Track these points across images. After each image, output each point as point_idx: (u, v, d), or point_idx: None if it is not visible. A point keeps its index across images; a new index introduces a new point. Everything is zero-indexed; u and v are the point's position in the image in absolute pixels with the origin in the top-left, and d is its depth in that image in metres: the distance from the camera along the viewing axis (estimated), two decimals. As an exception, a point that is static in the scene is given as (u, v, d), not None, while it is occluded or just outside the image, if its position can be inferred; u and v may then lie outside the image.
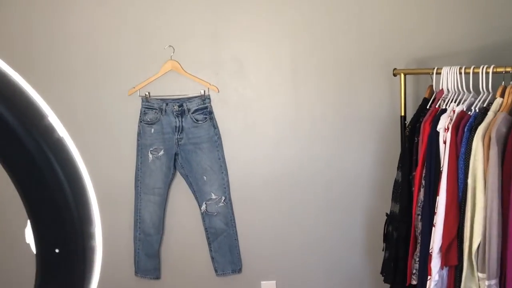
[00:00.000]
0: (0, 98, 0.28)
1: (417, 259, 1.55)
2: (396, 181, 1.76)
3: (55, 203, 0.31)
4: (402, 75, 1.88)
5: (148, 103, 2.17)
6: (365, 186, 2.26)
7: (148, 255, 2.29)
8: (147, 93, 2.16)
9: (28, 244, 0.34)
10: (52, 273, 0.32)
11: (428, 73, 1.77)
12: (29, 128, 0.29)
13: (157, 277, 2.31)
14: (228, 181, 2.24)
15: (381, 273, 1.80)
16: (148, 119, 2.18)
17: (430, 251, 1.44)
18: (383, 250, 1.82)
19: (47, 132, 0.29)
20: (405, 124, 1.89)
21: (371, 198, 2.27)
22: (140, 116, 2.19)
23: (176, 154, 2.20)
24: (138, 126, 2.19)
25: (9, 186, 0.36)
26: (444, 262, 1.40)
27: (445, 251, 1.39)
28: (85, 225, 0.32)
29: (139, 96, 2.17)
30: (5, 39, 2.14)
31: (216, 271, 2.31)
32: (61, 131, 0.30)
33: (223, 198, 2.24)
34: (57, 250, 0.31)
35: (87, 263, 0.32)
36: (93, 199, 0.33)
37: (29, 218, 0.31)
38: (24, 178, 0.30)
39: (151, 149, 2.19)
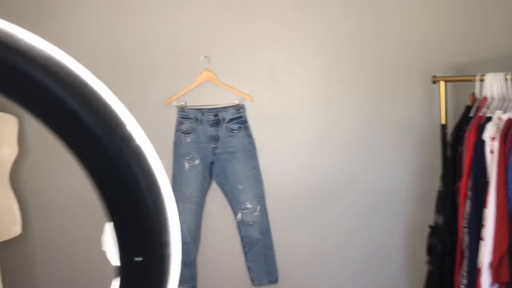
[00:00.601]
0: (87, 108, 0.30)
1: (465, 274, 1.48)
2: (439, 192, 1.70)
3: (136, 211, 0.31)
4: (443, 83, 1.82)
5: (184, 113, 2.20)
6: (403, 196, 2.19)
7: (184, 263, 2.30)
8: (183, 103, 2.18)
9: (104, 252, 0.35)
10: (131, 282, 0.33)
11: (470, 80, 1.70)
12: (113, 137, 0.30)
13: (193, 286, 2.31)
14: (263, 190, 2.22)
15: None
16: (184, 129, 2.20)
17: (479, 266, 1.38)
18: (426, 264, 1.76)
19: (127, 140, 0.30)
20: (445, 132, 1.83)
21: (410, 209, 2.20)
22: (176, 126, 2.21)
23: (211, 163, 2.21)
24: (175, 135, 2.22)
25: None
26: (496, 278, 1.33)
27: (495, 267, 1.32)
28: (163, 234, 0.32)
29: (175, 106, 2.20)
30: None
31: (252, 281, 2.29)
32: (140, 139, 0.31)
33: (258, 207, 2.23)
34: (137, 259, 0.32)
35: (164, 272, 0.33)
36: (171, 207, 0.34)
37: (112, 226, 0.32)
38: (107, 186, 0.31)
39: (187, 158, 2.21)
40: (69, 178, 2.29)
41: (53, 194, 2.31)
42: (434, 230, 1.72)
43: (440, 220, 1.68)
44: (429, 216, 2.20)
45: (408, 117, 2.13)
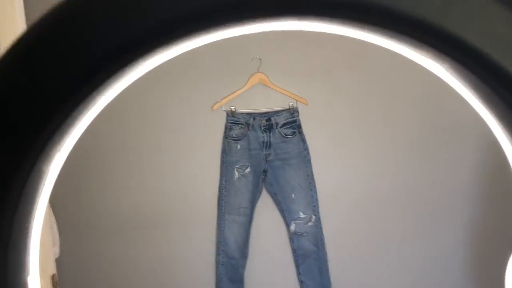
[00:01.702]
0: None
1: None
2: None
3: None
4: None
5: (233, 118, 2.05)
6: (465, 201, 2.11)
7: (232, 280, 2.14)
8: (232, 107, 2.04)
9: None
10: None
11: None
12: None
13: (241, 304, 2.15)
14: (317, 199, 2.09)
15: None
16: (234, 135, 2.06)
17: None
18: None
19: None
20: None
21: (473, 214, 2.12)
22: (225, 132, 2.06)
23: (264, 171, 2.07)
24: (223, 142, 2.07)
25: None
26: None
27: None
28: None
29: (224, 110, 2.06)
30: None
31: (305, 296, 2.15)
32: None
33: (313, 217, 2.10)
34: None
35: None
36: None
37: None
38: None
39: (237, 166, 2.07)
40: (104, 193, 2.10)
41: (87, 210, 2.11)
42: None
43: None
44: (493, 220, 2.13)
45: (469, 118, 2.06)
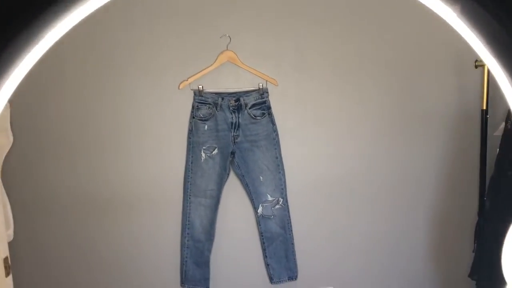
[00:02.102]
0: None
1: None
2: (492, 178, 1.66)
3: None
4: (487, 67, 1.79)
5: (201, 97, 1.98)
6: (430, 187, 2.15)
7: (197, 263, 2.10)
8: (200, 86, 1.97)
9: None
10: None
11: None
12: None
13: (207, 288, 2.12)
14: (285, 181, 2.07)
15: (471, 275, 1.69)
16: (201, 115, 1.99)
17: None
18: (473, 252, 1.71)
19: None
20: (486, 118, 1.79)
21: (438, 201, 2.16)
22: (192, 112, 1.99)
23: (232, 153, 2.02)
24: (190, 122, 2.00)
25: None
26: None
27: None
28: None
29: (191, 89, 1.98)
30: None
31: (271, 278, 2.14)
32: None
33: (280, 200, 2.08)
34: None
35: None
36: None
37: None
38: None
39: (204, 147, 2.01)
40: (61, 172, 1.99)
41: (42, 190, 2.00)
42: (482, 215, 1.67)
43: (488, 205, 1.64)
44: (457, 208, 2.18)
45: (437, 104, 2.09)
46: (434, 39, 2.04)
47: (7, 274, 1.26)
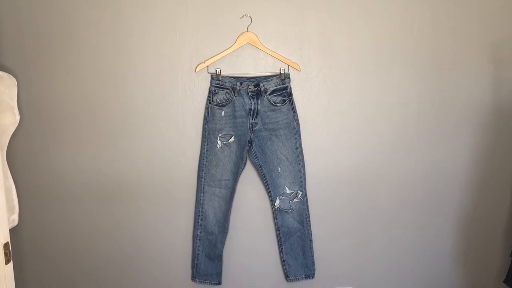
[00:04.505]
0: None
1: None
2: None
3: None
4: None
5: (218, 82, 1.87)
6: (461, 185, 2.00)
7: (209, 257, 1.99)
8: (218, 69, 1.85)
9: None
10: None
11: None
12: None
13: (218, 283, 2.01)
14: (304, 173, 1.95)
15: (507, 281, 1.55)
16: (218, 100, 1.88)
17: None
18: (510, 256, 1.57)
19: None
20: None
21: (467, 199, 2.02)
22: (208, 97, 1.88)
23: (249, 142, 1.90)
24: (206, 108, 1.89)
25: None
26: None
27: None
28: None
29: (209, 73, 1.87)
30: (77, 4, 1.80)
31: (287, 276, 2.02)
32: None
33: (299, 193, 1.96)
34: None
35: None
36: None
37: None
38: None
39: (220, 134, 1.89)
40: (69, 157, 1.90)
41: (49, 174, 1.91)
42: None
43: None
44: (488, 208, 2.03)
45: (470, 96, 1.94)
46: (469, 24, 1.89)
47: (7, 261, 1.16)
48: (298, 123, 1.91)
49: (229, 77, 1.87)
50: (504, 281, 1.55)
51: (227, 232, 1.98)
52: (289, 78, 1.88)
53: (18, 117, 1.65)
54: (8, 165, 1.66)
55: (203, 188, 1.94)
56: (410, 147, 1.98)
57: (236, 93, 1.86)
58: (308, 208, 1.98)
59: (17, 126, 1.69)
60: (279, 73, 1.87)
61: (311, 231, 2.00)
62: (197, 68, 1.85)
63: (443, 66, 1.92)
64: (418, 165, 1.99)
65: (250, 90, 1.86)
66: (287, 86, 1.88)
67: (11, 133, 1.62)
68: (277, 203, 1.96)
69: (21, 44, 1.80)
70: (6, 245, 1.19)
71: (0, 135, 1.54)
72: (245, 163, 1.93)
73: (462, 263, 2.07)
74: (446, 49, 1.90)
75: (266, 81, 1.87)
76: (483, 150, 1.97)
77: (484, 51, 1.90)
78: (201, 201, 1.95)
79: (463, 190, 2.01)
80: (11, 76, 1.64)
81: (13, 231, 1.85)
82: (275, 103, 1.88)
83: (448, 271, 2.08)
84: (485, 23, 1.89)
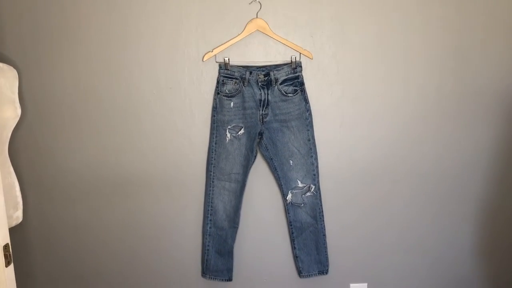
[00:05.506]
0: None
1: None
2: None
3: None
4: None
5: (227, 71, 1.79)
6: (482, 176, 1.91)
7: (219, 253, 1.93)
8: (226, 58, 1.77)
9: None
10: None
11: None
12: None
13: (229, 279, 1.95)
14: (317, 166, 1.87)
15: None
16: (227, 91, 1.80)
17: None
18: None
19: None
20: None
21: (487, 192, 1.92)
22: (217, 87, 1.80)
23: (259, 134, 1.83)
24: (214, 98, 1.81)
25: None
26: None
27: None
28: None
29: (217, 62, 1.79)
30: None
31: (300, 272, 1.96)
32: None
33: (312, 187, 1.88)
34: None
35: None
36: None
37: None
38: None
39: (229, 126, 1.82)
40: (73, 150, 1.85)
41: (52, 169, 1.86)
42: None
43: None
44: (509, 198, 1.94)
45: (493, 82, 1.83)
46: (489, 7, 1.77)
47: (7, 264, 1.11)
48: (310, 114, 1.82)
49: (238, 66, 1.79)
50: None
51: (237, 227, 1.92)
52: (301, 66, 1.79)
53: (19, 111, 1.59)
54: (11, 161, 1.61)
55: (213, 182, 1.87)
56: (428, 138, 1.88)
57: (245, 83, 1.78)
58: (321, 202, 1.90)
59: (19, 120, 1.63)
60: (290, 62, 1.78)
61: (324, 226, 1.92)
62: (205, 57, 1.77)
63: (463, 52, 1.82)
64: (436, 157, 1.90)
65: (260, 79, 1.78)
66: (298, 75, 1.79)
67: (12, 128, 1.57)
68: (289, 197, 1.88)
69: (22, 34, 1.74)
70: (6, 247, 1.13)
71: (1, 129, 1.49)
72: (255, 156, 1.86)
73: (482, 257, 1.98)
74: (467, 33, 1.80)
75: (276, 70, 1.78)
76: (505, 139, 1.87)
77: (503, 36, 1.79)
78: (210, 195, 1.88)
79: (483, 182, 1.92)
80: (11, 68, 1.58)
81: (18, 228, 1.80)
82: (286, 93, 1.80)
83: (468, 265, 2.00)
84: (505, 6, 1.77)
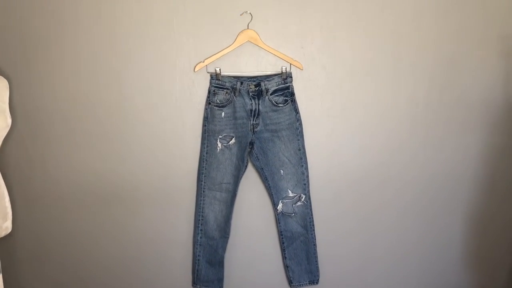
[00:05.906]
0: None
1: None
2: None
3: None
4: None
5: (218, 81, 1.80)
6: (470, 186, 1.93)
7: (210, 263, 1.93)
8: (217, 69, 1.79)
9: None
10: None
11: None
12: None
13: (220, 289, 1.95)
14: (308, 176, 1.88)
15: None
16: (218, 101, 1.81)
17: None
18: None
19: None
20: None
21: (475, 199, 1.95)
22: (208, 97, 1.82)
23: (250, 143, 1.84)
24: (206, 108, 1.82)
25: None
26: None
27: None
28: None
29: (208, 72, 1.80)
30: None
31: (290, 281, 1.96)
32: None
33: (302, 196, 1.89)
34: None
35: None
36: None
37: None
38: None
39: (220, 136, 1.83)
40: (63, 160, 1.84)
41: (42, 180, 1.85)
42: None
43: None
44: (499, 210, 1.96)
45: (480, 92, 1.86)
46: (477, 16, 1.81)
47: (-5, 274, 1.10)
48: (301, 124, 1.84)
49: (229, 76, 1.80)
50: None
51: (228, 237, 1.92)
52: (291, 77, 1.81)
53: (9, 120, 1.59)
54: (1, 170, 1.60)
55: (203, 191, 1.88)
56: (417, 147, 1.91)
57: (236, 93, 1.80)
58: (312, 212, 1.91)
59: (10, 130, 1.63)
60: (280, 72, 1.80)
61: (315, 236, 1.93)
62: (196, 67, 1.78)
63: (451, 63, 1.85)
64: (425, 166, 1.92)
65: (251, 90, 1.80)
66: (289, 85, 1.81)
67: (3, 138, 1.56)
68: (279, 206, 1.89)
69: (13, 44, 1.74)
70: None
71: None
72: (246, 166, 1.87)
73: (472, 265, 2.00)
74: (453, 44, 1.83)
75: (267, 80, 1.80)
76: (493, 148, 1.90)
77: (492, 45, 1.83)
78: (201, 205, 1.88)
79: (472, 190, 1.94)
80: (2, 78, 1.58)
81: (6, 239, 1.79)
82: (276, 103, 1.81)
83: (457, 273, 2.01)
84: (493, 16, 1.81)
